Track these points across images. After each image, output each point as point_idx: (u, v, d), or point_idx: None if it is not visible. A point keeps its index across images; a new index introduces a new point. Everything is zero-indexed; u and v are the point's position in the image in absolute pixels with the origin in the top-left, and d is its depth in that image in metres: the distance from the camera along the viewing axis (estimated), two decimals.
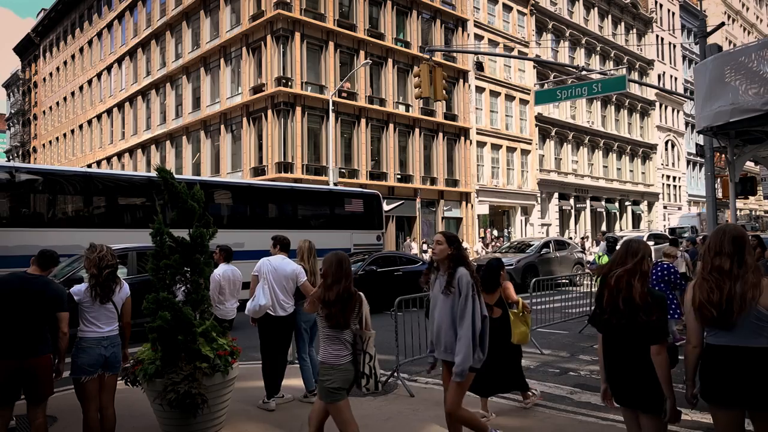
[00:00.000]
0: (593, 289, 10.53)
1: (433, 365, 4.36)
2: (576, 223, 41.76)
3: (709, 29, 14.64)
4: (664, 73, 50.63)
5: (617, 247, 3.86)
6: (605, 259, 10.00)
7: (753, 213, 56.94)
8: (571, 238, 36.63)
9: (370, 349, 3.88)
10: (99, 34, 43.66)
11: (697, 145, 46.25)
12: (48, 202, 12.70)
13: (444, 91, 15.12)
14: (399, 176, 30.99)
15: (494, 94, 36.46)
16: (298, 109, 27.03)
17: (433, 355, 4.27)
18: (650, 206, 49.11)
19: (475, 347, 3.89)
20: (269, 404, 5.70)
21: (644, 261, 3.28)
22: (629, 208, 46.90)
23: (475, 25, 35.18)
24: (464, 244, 32.12)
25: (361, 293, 3.99)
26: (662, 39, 50.15)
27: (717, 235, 3.06)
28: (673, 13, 53.37)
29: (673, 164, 52.64)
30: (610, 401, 3.43)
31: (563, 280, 18.44)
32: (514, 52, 36.23)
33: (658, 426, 3.22)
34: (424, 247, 30.59)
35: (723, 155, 13.37)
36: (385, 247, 29.91)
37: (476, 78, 35.11)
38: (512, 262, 17.17)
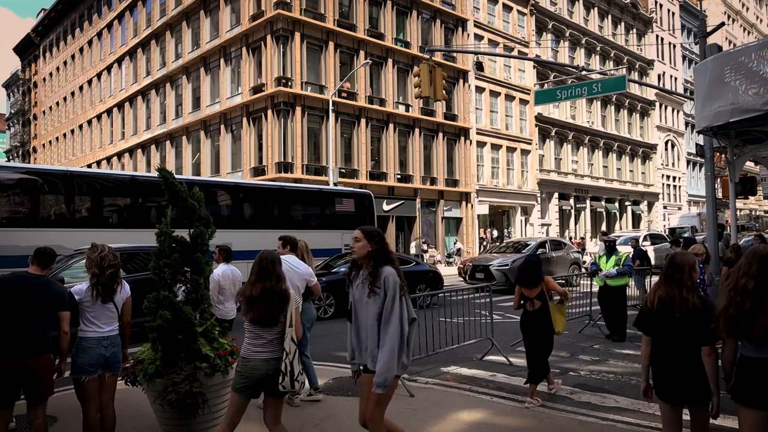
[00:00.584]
0: (593, 290, 10.54)
1: (359, 373, 3.97)
2: (576, 223, 41.76)
3: (709, 29, 14.63)
4: (664, 73, 50.63)
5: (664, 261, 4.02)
6: (604, 260, 10.01)
7: (753, 213, 56.92)
8: (571, 238, 36.66)
9: (285, 346, 3.84)
10: (99, 34, 43.67)
11: (697, 145, 46.24)
12: (26, 201, 12.27)
13: (444, 91, 15.11)
14: (399, 176, 30.99)
15: (494, 94, 36.46)
16: (298, 109, 27.03)
17: (355, 363, 3.89)
18: (650, 206, 49.12)
19: (401, 353, 3.63)
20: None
21: (692, 274, 3.60)
22: (629, 208, 46.91)
23: (475, 25, 35.18)
24: (459, 245, 32.32)
25: (291, 291, 4.03)
26: (662, 39, 50.16)
27: (747, 256, 3.37)
28: (673, 13, 53.38)
29: (673, 164, 52.65)
30: (649, 398, 3.79)
31: (560, 281, 18.39)
32: (514, 52, 36.23)
33: (706, 416, 3.58)
34: (424, 246, 30.60)
35: (723, 155, 13.38)
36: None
37: (476, 78, 35.11)
38: (507, 263, 16.99)
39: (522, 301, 6.27)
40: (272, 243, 16.20)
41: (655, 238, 25.08)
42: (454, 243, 32.79)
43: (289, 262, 5.94)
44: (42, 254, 4.30)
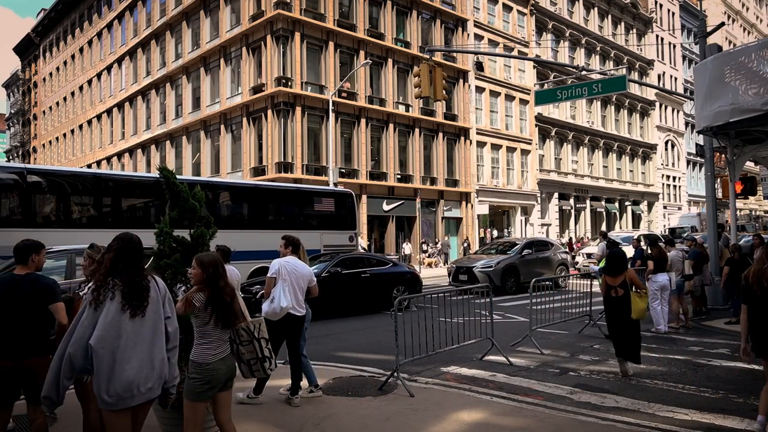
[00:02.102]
0: (593, 290, 10.56)
1: None
2: (576, 223, 41.76)
3: (709, 29, 14.65)
4: (664, 73, 50.64)
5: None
6: (603, 261, 10.06)
7: (753, 213, 56.92)
8: (571, 239, 36.64)
9: (264, 334, 4.16)
10: (99, 34, 43.67)
11: (697, 145, 46.20)
12: None
13: (444, 91, 15.09)
14: (399, 176, 30.98)
15: (494, 94, 36.46)
16: (298, 109, 27.03)
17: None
18: (650, 206, 49.11)
19: (61, 377, 3.24)
20: (294, 400, 5.88)
21: None
22: (629, 208, 46.91)
23: (475, 25, 35.19)
24: (439, 245, 31.39)
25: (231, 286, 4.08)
26: (662, 39, 50.16)
27: None
28: (673, 13, 53.39)
29: (673, 164, 52.65)
30: (748, 356, 4.76)
31: (546, 282, 17.87)
32: (514, 52, 36.23)
33: None
34: (424, 246, 30.58)
35: (723, 155, 13.39)
36: (386, 247, 29.97)
37: (476, 78, 35.11)
38: (491, 264, 16.60)
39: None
40: (246, 244, 15.69)
41: (647, 238, 24.92)
42: (435, 243, 31.63)
43: (292, 263, 5.96)
44: (18, 250, 4.18)
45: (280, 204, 17.00)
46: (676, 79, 52.59)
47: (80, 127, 46.59)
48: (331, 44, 28.58)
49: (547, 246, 19.41)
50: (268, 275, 5.89)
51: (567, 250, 23.67)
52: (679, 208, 51.22)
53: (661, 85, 47.77)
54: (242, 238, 14.21)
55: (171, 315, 3.51)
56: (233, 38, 29.45)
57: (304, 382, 6.16)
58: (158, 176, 5.18)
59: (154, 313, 3.39)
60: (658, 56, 49.69)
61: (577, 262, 23.33)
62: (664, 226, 45.47)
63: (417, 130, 31.96)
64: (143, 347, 3.32)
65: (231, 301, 3.83)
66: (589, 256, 22.98)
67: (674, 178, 52.61)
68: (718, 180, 16.07)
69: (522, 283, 16.65)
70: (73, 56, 48.34)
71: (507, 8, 37.72)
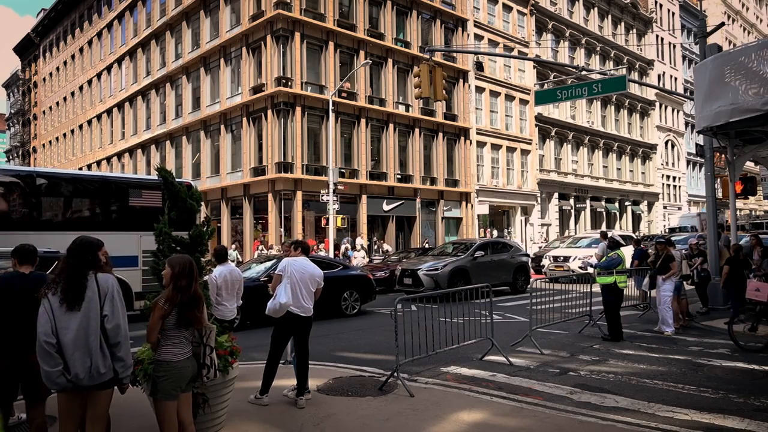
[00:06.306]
0: (593, 290, 10.55)
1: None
2: (576, 223, 41.75)
3: (709, 29, 14.66)
4: (664, 73, 50.63)
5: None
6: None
7: (753, 213, 56.89)
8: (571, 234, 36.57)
9: (212, 342, 4.15)
10: (99, 34, 43.66)
11: (697, 145, 46.22)
12: None
13: (444, 91, 15.09)
14: (399, 176, 30.98)
15: (494, 94, 36.45)
16: (298, 109, 27.02)
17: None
18: (650, 206, 49.11)
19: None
20: (300, 401, 5.87)
21: None
22: (629, 208, 46.90)
23: (475, 25, 35.18)
24: (387, 246, 29.77)
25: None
26: (662, 39, 50.16)
27: None
28: (673, 13, 53.38)
29: (673, 164, 52.65)
30: None
31: (503, 287, 16.85)
32: (514, 52, 36.23)
33: None
34: (426, 246, 30.52)
35: (723, 155, 13.39)
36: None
37: (476, 78, 35.11)
38: (437, 267, 15.51)
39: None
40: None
41: (624, 238, 23.58)
42: (382, 243, 28.81)
43: (300, 262, 6.03)
44: (27, 252, 4.42)
45: (82, 198, 13.51)
46: (676, 79, 52.58)
47: (80, 127, 46.58)
48: (331, 44, 28.57)
49: (505, 248, 18.04)
50: (276, 272, 6.02)
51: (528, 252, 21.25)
52: (679, 208, 51.21)
53: (661, 85, 47.75)
54: (14, 241, 10.47)
55: (109, 314, 3.58)
56: (233, 38, 29.44)
57: (283, 383, 6.19)
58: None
59: (88, 309, 3.55)
60: (658, 56, 49.68)
61: (543, 265, 21.73)
62: (664, 226, 45.45)
63: (417, 130, 31.96)
64: (80, 337, 3.52)
65: (191, 302, 3.90)
66: (556, 259, 21.23)
67: (674, 178, 52.60)
68: (718, 180, 16.08)
69: (472, 289, 15.89)
70: (73, 56, 48.33)
71: (507, 8, 37.71)
